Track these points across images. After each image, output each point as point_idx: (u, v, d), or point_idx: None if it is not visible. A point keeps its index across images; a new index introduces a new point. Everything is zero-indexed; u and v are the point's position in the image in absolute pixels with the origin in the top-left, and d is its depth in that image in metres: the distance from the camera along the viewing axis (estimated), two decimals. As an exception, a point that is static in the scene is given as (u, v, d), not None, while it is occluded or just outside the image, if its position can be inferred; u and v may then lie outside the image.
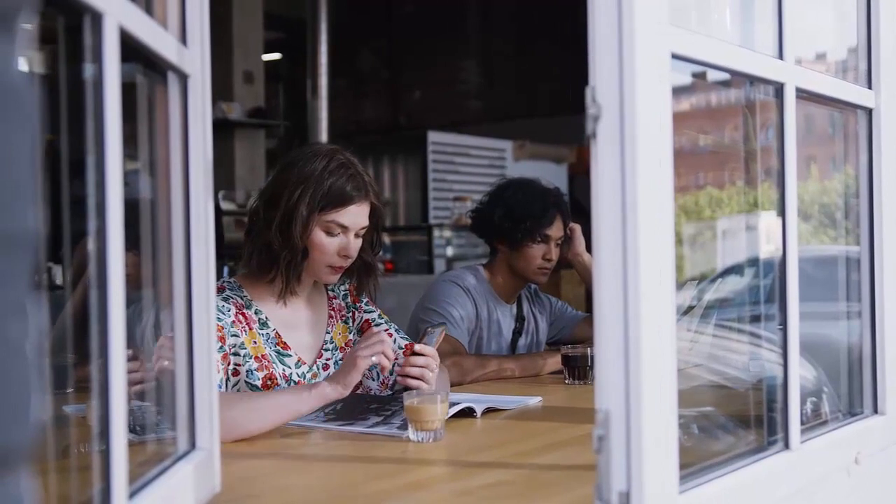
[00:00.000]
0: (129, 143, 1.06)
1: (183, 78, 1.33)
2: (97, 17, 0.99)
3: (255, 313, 2.19)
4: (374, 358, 1.95)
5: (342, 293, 2.39)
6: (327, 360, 2.28)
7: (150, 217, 1.35)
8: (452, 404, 2.00)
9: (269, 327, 2.19)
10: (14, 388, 0.55)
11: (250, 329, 2.15)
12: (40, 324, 0.59)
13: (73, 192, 1.04)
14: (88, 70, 1.01)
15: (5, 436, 0.55)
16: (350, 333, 2.36)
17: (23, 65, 0.58)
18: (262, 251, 2.17)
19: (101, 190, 1.00)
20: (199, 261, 1.36)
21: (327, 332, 2.31)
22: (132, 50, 1.11)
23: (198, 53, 1.37)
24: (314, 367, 2.24)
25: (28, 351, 0.57)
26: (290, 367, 2.18)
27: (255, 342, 2.14)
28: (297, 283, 2.22)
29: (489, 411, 2.14)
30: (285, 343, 2.20)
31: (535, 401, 2.32)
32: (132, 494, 1.08)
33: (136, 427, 1.35)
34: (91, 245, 1.01)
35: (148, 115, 1.33)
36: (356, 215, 2.18)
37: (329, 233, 2.16)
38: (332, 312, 2.35)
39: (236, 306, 2.14)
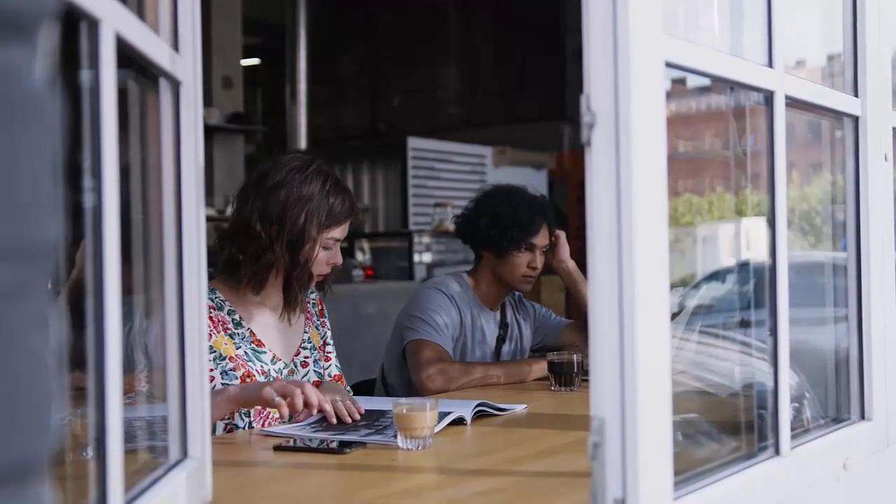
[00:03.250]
0: (119, 150, 1.06)
1: (175, 85, 1.33)
2: (94, 24, 0.98)
3: (228, 314, 2.24)
4: (277, 399, 1.93)
5: (312, 300, 2.48)
6: (305, 357, 2.37)
7: (140, 224, 1.34)
8: (442, 413, 2.00)
9: (243, 327, 2.25)
10: (37, 398, 0.55)
11: (219, 332, 2.20)
12: (58, 334, 0.59)
13: (66, 198, 1.03)
14: (84, 76, 1.01)
15: (30, 446, 0.55)
16: (321, 338, 2.46)
17: (44, 73, 0.57)
18: (265, 269, 2.23)
19: (98, 196, 0.99)
20: (190, 268, 1.35)
21: (305, 332, 2.40)
22: (125, 56, 1.10)
23: (190, 60, 1.36)
24: (291, 364, 2.33)
25: (49, 361, 0.56)
26: (266, 364, 2.25)
27: (226, 343, 2.20)
28: (303, 298, 2.34)
29: (479, 416, 2.14)
30: (260, 341, 2.27)
31: (520, 408, 2.32)
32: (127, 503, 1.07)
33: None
34: (87, 251, 1.00)
35: (139, 121, 1.32)
36: (347, 228, 2.32)
37: (325, 248, 2.27)
38: (308, 314, 2.43)
39: None
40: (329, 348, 2.48)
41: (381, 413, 2.14)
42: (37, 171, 0.54)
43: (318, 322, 2.46)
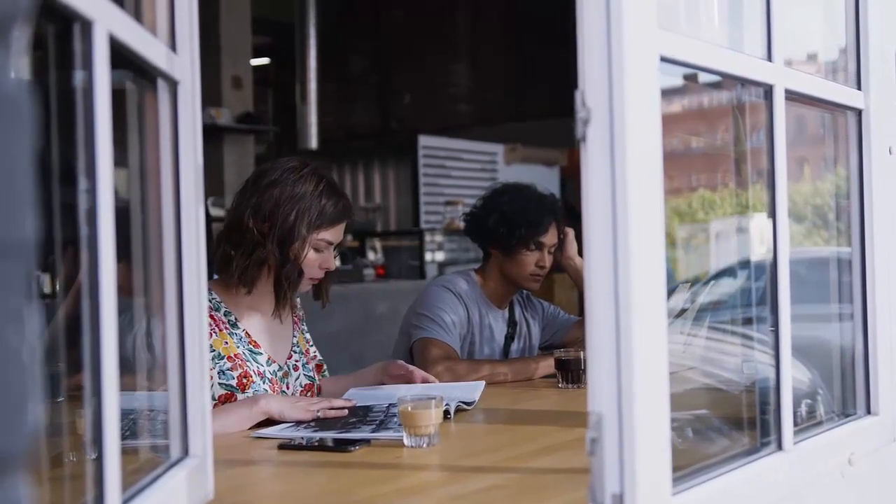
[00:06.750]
0: (117, 150, 1.06)
1: (173, 85, 1.33)
2: (87, 25, 0.99)
3: (225, 315, 2.28)
4: (319, 413, 2.10)
5: (297, 307, 2.52)
6: (296, 361, 2.41)
7: (140, 225, 1.35)
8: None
9: (239, 328, 2.29)
10: (12, 394, 0.55)
11: (220, 331, 2.25)
12: (36, 331, 0.59)
13: (63, 199, 1.04)
14: (78, 77, 1.01)
15: (3, 442, 0.55)
16: (307, 343, 2.50)
17: (18, 73, 0.58)
18: (255, 265, 2.25)
19: (93, 197, 0.99)
20: (190, 268, 1.36)
21: (294, 336, 2.44)
22: (121, 56, 1.11)
23: (188, 60, 1.37)
24: (285, 367, 2.36)
25: (25, 357, 0.57)
26: (262, 365, 2.29)
27: (226, 343, 2.24)
28: (293, 296, 2.36)
29: (487, 414, 2.16)
30: (255, 342, 2.31)
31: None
32: (125, 502, 1.08)
33: (126, 433, 1.34)
34: (82, 253, 1.01)
35: (137, 122, 1.33)
36: (341, 232, 2.34)
37: (317, 249, 2.30)
38: (296, 319, 2.48)
39: None
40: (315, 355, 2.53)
41: (368, 410, 2.16)
42: (13, 170, 0.55)
43: (303, 328, 2.51)
